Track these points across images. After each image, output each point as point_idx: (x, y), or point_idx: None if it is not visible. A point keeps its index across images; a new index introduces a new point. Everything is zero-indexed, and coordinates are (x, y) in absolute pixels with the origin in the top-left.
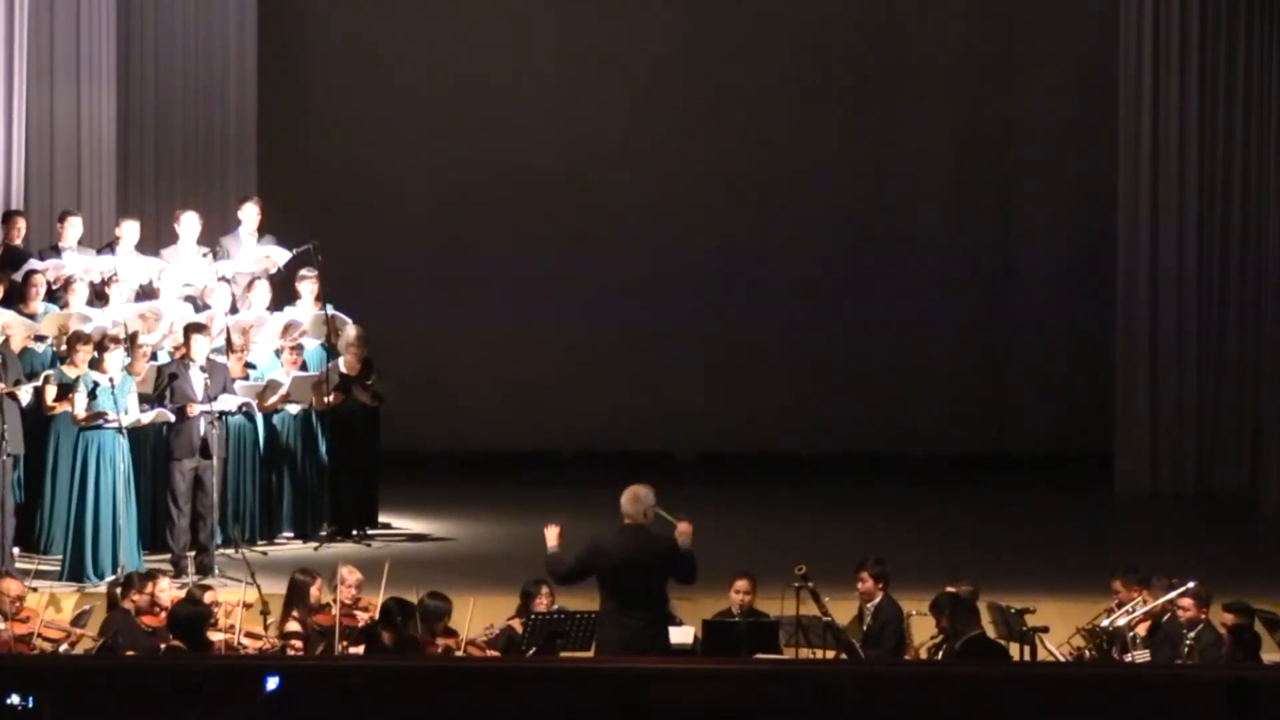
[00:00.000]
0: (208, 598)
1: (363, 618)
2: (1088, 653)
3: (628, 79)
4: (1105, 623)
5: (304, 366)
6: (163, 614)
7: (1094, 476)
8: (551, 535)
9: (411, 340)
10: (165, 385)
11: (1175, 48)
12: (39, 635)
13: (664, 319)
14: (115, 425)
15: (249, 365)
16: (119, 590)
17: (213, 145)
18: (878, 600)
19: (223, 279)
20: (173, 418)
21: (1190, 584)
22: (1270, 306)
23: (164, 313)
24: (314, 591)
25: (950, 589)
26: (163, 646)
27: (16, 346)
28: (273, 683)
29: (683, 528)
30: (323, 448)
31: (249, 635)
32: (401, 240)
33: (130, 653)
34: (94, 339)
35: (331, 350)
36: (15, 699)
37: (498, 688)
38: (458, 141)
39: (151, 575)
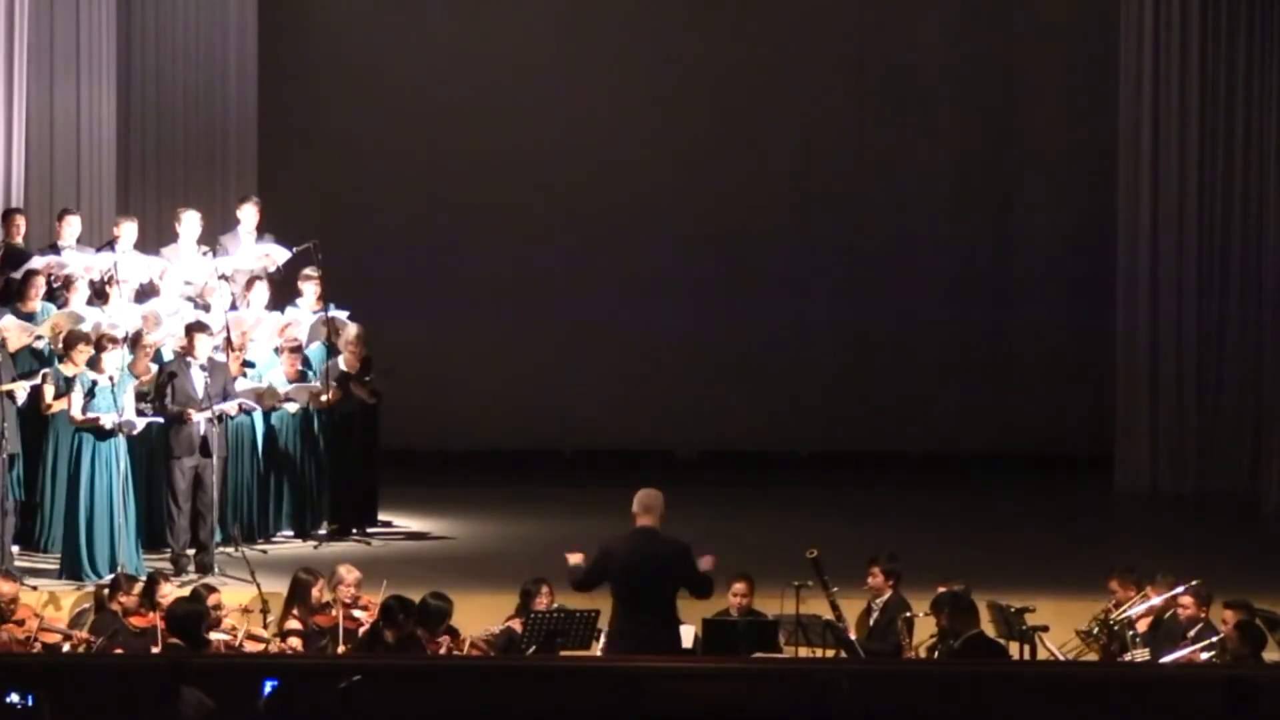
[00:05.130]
0: (212, 600)
1: (363, 617)
2: (1097, 637)
3: (629, 81)
4: (1113, 617)
5: (305, 364)
6: (153, 614)
7: (1094, 476)
8: (574, 557)
9: (411, 340)
10: (165, 384)
11: (1175, 48)
12: (35, 639)
13: (664, 318)
14: (110, 430)
15: (247, 364)
16: (106, 592)
17: (213, 145)
18: (887, 596)
19: (222, 277)
20: (163, 421)
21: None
22: (1270, 307)
23: (165, 312)
24: (315, 591)
25: (942, 588)
26: (154, 648)
27: (13, 348)
28: (268, 687)
29: (705, 563)
30: (322, 446)
31: (250, 637)
32: (401, 240)
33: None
34: (92, 338)
35: (332, 349)
36: (15, 698)
37: (498, 687)
38: (458, 141)
39: (153, 579)
